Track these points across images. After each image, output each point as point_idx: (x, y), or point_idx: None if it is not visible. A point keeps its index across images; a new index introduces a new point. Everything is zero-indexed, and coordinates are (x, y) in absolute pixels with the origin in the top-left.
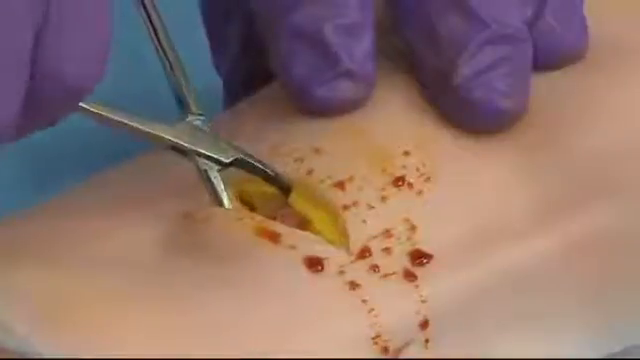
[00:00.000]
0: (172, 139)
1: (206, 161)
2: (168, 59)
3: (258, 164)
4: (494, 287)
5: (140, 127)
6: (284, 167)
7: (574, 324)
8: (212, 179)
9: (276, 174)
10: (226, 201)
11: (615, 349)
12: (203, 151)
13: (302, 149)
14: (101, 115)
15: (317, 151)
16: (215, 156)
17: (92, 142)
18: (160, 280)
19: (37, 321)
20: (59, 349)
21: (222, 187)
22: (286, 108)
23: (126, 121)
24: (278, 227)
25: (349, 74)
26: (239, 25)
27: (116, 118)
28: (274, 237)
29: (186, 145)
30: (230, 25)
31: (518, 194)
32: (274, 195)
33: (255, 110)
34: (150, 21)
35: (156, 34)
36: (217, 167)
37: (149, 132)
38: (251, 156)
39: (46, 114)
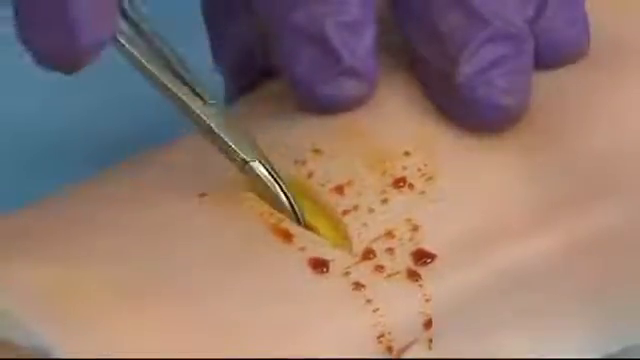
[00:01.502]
0: (208, 121)
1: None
2: (166, 58)
3: (275, 176)
4: (497, 286)
5: (180, 94)
6: (284, 170)
7: (576, 324)
8: (256, 170)
9: (287, 194)
10: (278, 188)
11: (616, 348)
12: (231, 142)
13: (302, 150)
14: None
15: (317, 153)
16: (239, 152)
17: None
18: (168, 273)
19: (43, 312)
20: (64, 343)
21: (268, 176)
22: (286, 107)
23: (169, 85)
24: (292, 227)
25: (351, 72)
26: (240, 23)
27: (162, 79)
28: (287, 237)
29: (218, 132)
30: (230, 23)
31: (520, 193)
32: None
33: (255, 109)
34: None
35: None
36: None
37: (188, 105)
38: (270, 163)
39: None
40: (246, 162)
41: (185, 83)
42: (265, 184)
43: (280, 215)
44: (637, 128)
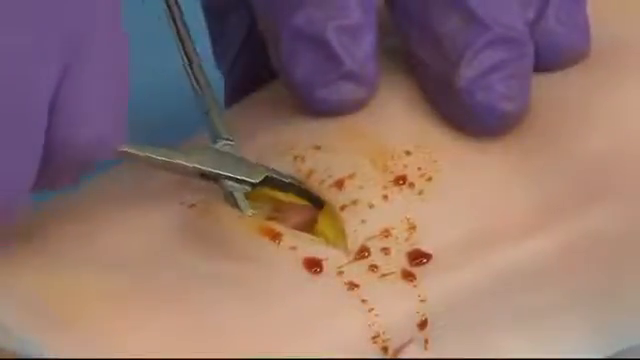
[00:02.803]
0: (200, 167)
1: (232, 183)
2: (199, 84)
3: (288, 179)
4: (493, 287)
5: (167, 160)
6: (285, 166)
7: (574, 325)
8: (238, 200)
9: (306, 187)
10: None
11: (615, 349)
12: (232, 175)
13: (303, 147)
14: (126, 152)
15: (318, 149)
16: (245, 178)
17: None
18: (163, 279)
19: (39, 320)
20: (61, 350)
21: (247, 206)
22: (287, 107)
23: (152, 155)
24: (280, 227)
25: (351, 75)
26: (240, 21)
27: (141, 154)
28: (276, 236)
29: (214, 171)
30: (231, 21)
31: (518, 195)
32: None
33: (256, 108)
34: (183, 47)
35: (189, 59)
36: (244, 188)
37: (177, 163)
38: (279, 173)
39: (62, 178)
40: (253, 185)
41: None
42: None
43: (263, 216)
44: (636, 130)
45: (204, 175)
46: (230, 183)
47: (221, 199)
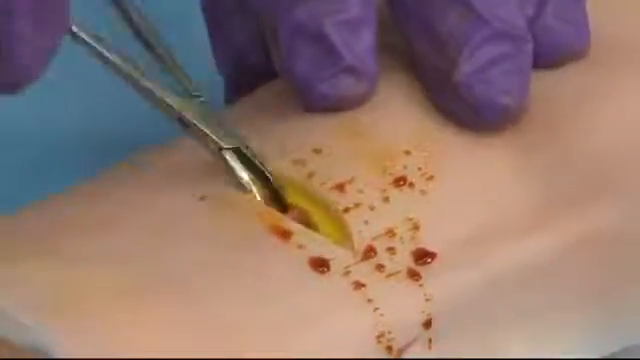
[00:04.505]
0: (182, 112)
1: (216, 140)
2: (157, 53)
3: (256, 161)
4: (497, 286)
5: (153, 91)
6: (284, 169)
7: (576, 324)
8: (228, 159)
9: (271, 175)
10: (246, 178)
11: (616, 349)
12: (206, 130)
13: (302, 150)
14: (121, 70)
15: (317, 152)
16: (216, 138)
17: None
18: (169, 271)
19: (43, 311)
20: (64, 341)
21: (240, 166)
22: (285, 108)
23: (144, 83)
24: (290, 225)
25: (351, 70)
26: (240, 22)
27: (136, 78)
28: (286, 235)
29: (192, 121)
30: (232, 22)
31: (520, 192)
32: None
33: (254, 110)
34: (131, 19)
35: (138, 30)
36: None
37: (162, 99)
38: (251, 150)
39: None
40: (221, 149)
41: (176, 77)
42: (239, 171)
43: (278, 214)
44: (636, 127)
45: (181, 122)
46: (212, 138)
47: (232, 191)
